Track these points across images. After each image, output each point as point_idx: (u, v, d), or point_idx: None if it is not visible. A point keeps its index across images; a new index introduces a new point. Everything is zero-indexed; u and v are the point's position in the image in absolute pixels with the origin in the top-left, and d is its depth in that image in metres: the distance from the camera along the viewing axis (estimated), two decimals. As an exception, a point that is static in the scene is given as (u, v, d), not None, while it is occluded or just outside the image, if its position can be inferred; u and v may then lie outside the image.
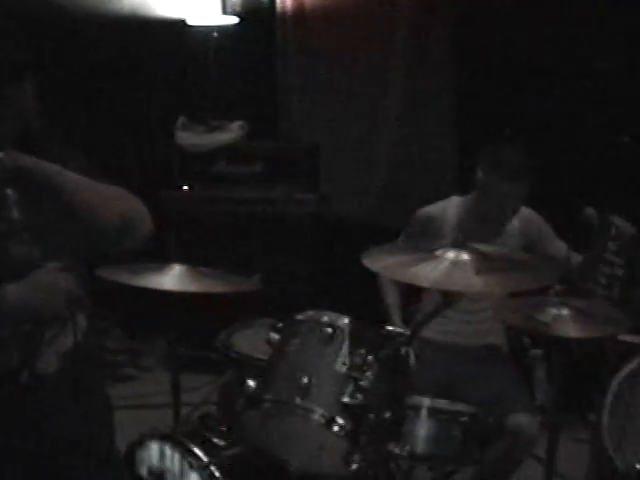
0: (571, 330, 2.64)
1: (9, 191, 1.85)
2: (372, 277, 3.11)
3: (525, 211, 3.34)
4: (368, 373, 2.35)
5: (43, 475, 2.09)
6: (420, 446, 2.66)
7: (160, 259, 3.02)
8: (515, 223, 3.32)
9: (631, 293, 3.33)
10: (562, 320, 2.66)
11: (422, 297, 3.44)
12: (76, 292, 1.96)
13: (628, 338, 3.29)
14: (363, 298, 3.58)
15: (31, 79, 1.93)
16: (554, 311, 2.69)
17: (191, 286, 2.90)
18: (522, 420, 2.95)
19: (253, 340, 3.01)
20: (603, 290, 3.52)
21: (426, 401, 2.73)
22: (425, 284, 2.34)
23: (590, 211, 3.33)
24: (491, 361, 3.29)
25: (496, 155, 3.18)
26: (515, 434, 2.93)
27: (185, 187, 4.91)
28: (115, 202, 1.99)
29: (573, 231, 3.28)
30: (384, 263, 2.39)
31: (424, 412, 2.68)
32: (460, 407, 2.75)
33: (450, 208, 3.37)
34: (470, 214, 3.31)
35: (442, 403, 2.76)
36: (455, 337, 3.30)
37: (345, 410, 2.32)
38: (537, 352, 3.99)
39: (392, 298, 3.42)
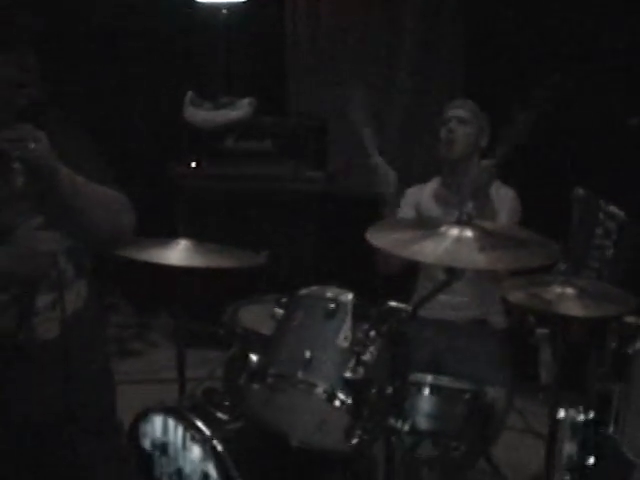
0: (574, 309, 2.64)
1: (16, 165, 1.85)
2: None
3: (503, 191, 3.29)
4: (371, 348, 2.35)
5: (39, 440, 2.11)
6: (423, 422, 2.69)
7: (168, 234, 3.03)
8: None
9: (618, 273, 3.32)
10: (566, 299, 2.66)
11: (419, 275, 3.45)
12: (57, 248, 1.93)
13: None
14: (369, 275, 3.58)
15: (35, 48, 1.95)
16: (558, 289, 2.69)
17: (197, 261, 2.91)
18: (494, 395, 2.90)
19: (259, 316, 3.01)
20: (594, 273, 3.50)
21: (428, 378, 2.75)
22: (428, 260, 2.33)
23: (580, 192, 3.31)
24: (474, 335, 3.26)
25: None
26: (488, 407, 2.90)
27: (193, 163, 4.91)
28: (108, 212, 2.04)
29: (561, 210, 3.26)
30: (387, 239, 2.39)
31: (427, 389, 2.70)
32: (462, 384, 2.76)
33: (429, 184, 3.53)
34: (443, 185, 3.45)
35: (444, 380, 2.77)
36: (439, 312, 3.23)
37: (347, 384, 2.32)
38: (543, 332, 3.96)
39: None
